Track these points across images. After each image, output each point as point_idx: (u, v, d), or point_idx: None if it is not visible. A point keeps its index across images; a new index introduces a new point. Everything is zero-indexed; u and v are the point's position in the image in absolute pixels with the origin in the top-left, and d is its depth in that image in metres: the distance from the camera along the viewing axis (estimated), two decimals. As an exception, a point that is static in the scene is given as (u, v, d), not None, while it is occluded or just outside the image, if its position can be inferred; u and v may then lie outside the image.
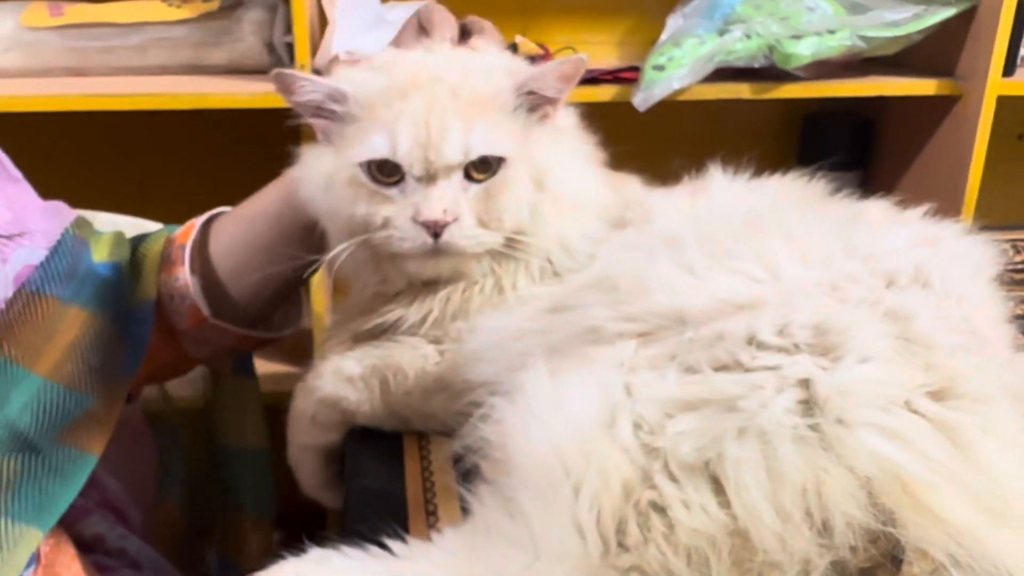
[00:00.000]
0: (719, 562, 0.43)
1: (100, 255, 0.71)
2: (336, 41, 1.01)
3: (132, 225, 0.96)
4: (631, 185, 0.73)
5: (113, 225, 0.89)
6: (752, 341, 0.47)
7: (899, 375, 0.45)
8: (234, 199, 0.80)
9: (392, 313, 0.68)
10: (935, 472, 0.42)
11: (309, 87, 0.66)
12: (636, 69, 1.10)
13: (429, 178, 0.63)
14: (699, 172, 0.69)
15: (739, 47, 1.09)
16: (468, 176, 0.64)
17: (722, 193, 0.66)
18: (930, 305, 0.50)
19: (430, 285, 0.67)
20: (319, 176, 0.67)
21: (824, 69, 1.14)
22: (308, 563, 0.49)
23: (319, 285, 1.11)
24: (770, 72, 1.13)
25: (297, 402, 0.70)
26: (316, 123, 0.69)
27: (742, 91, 1.13)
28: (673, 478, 0.44)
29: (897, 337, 0.47)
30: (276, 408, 0.75)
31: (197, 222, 0.79)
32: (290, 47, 1.09)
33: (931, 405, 0.45)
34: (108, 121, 1.08)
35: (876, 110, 1.39)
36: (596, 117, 0.73)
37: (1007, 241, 1.10)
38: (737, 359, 0.47)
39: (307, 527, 0.56)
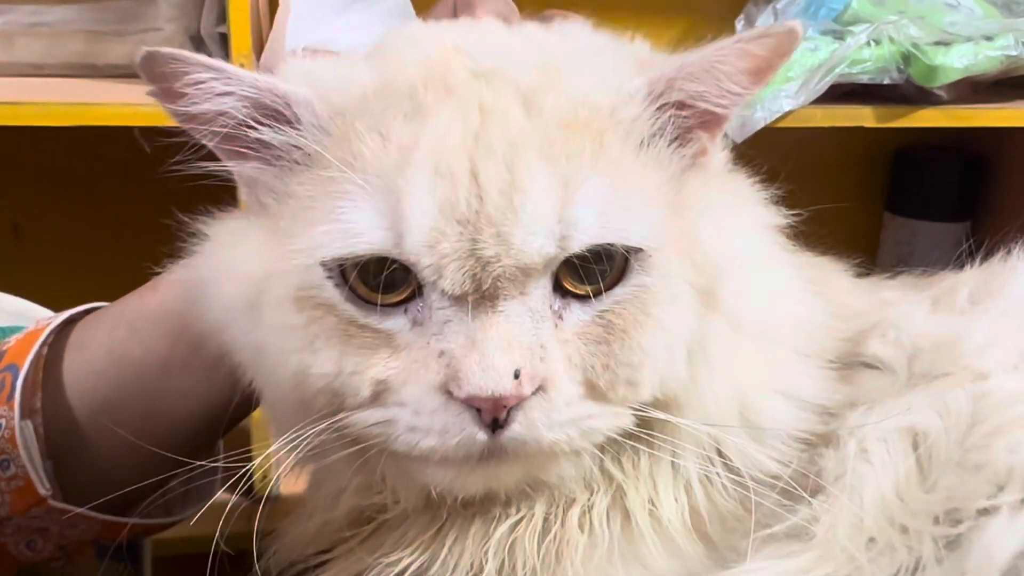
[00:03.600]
0: None
1: None
2: (291, 31, 0.71)
3: None
4: (836, 280, 0.39)
5: None
6: None
7: None
8: (141, 253, 0.45)
9: (394, 562, 0.32)
10: None
11: (212, 84, 0.31)
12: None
13: (481, 296, 0.29)
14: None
15: (866, 55, 0.79)
16: (559, 287, 0.30)
17: None
18: None
19: (476, 506, 0.33)
20: (238, 283, 0.32)
21: (971, 88, 0.84)
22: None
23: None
24: (898, 91, 0.83)
25: None
26: (235, 167, 0.33)
27: (864, 116, 0.83)
28: None
29: None
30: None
31: (48, 325, 0.47)
32: (224, 39, 0.80)
33: None
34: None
35: (989, 144, 1.11)
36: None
37: None
38: None
39: None
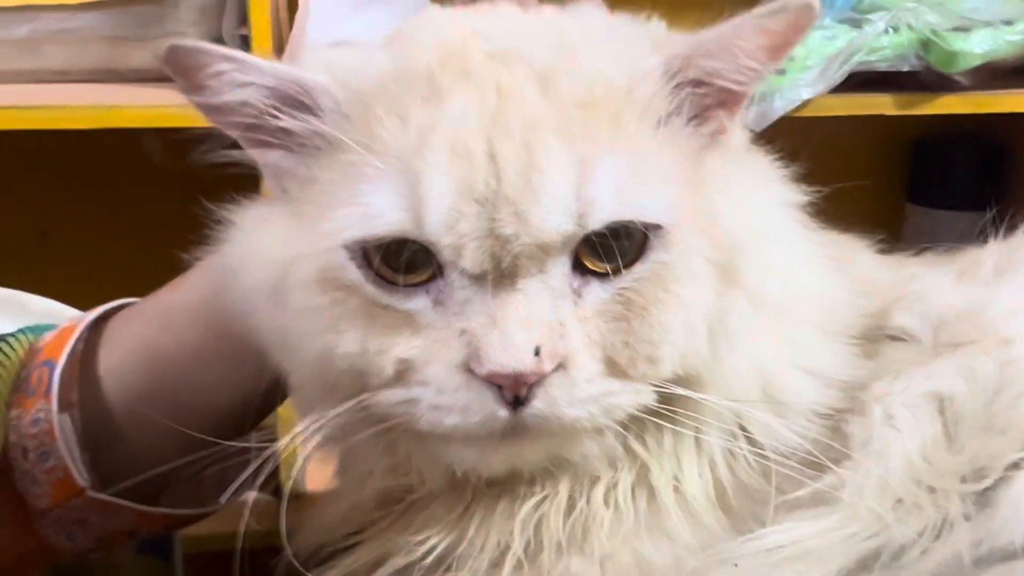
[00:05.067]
0: None
1: None
2: (311, 32, 0.72)
3: (2, 300, 0.65)
4: (860, 257, 0.39)
5: None
6: None
7: None
8: (167, 257, 0.46)
9: (423, 538, 0.33)
10: None
11: (233, 75, 0.32)
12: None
13: (501, 275, 0.29)
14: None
15: (884, 43, 0.78)
16: (579, 265, 0.30)
17: None
18: None
19: (501, 485, 0.33)
20: (263, 267, 0.33)
21: (991, 74, 0.83)
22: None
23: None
24: (918, 78, 0.82)
25: None
26: (259, 156, 0.34)
27: (883, 104, 0.82)
28: None
29: None
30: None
31: (82, 322, 0.48)
32: (246, 41, 0.80)
33: None
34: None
35: (1010, 131, 1.08)
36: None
37: None
38: None
39: None
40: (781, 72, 0.78)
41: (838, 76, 0.78)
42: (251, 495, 0.49)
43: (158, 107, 0.75)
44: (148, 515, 0.48)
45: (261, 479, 0.42)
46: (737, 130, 0.35)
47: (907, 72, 0.81)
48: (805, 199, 0.37)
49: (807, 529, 0.29)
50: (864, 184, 0.93)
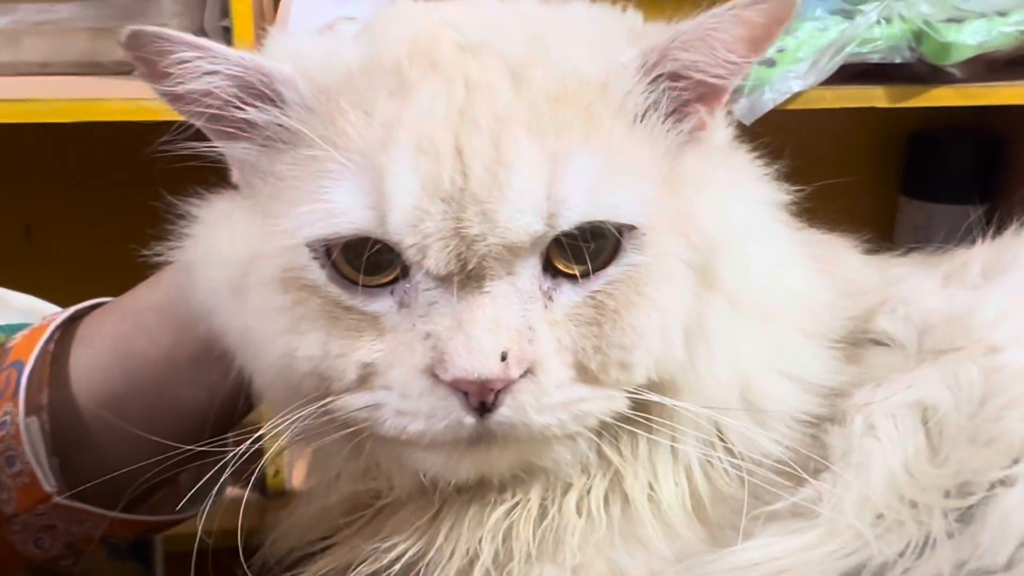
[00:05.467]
0: None
1: None
2: (294, 22, 0.71)
3: None
4: (846, 258, 0.38)
5: None
6: None
7: None
8: (151, 252, 0.45)
9: (389, 548, 0.31)
10: None
11: (197, 64, 0.31)
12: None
13: (467, 277, 0.28)
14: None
15: (877, 34, 0.77)
16: (551, 267, 0.29)
17: None
18: None
19: (470, 491, 0.32)
20: (224, 265, 0.32)
21: (986, 66, 0.82)
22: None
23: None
24: (911, 70, 0.81)
25: None
26: (225, 148, 0.33)
27: (875, 97, 0.81)
28: None
29: None
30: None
31: (53, 322, 0.46)
32: (228, 33, 0.78)
33: None
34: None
35: (1005, 124, 1.07)
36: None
37: None
38: None
39: None
40: (771, 64, 0.76)
41: (829, 68, 0.76)
42: (235, 493, 0.48)
43: (141, 100, 0.73)
44: (118, 521, 0.47)
45: (236, 479, 0.40)
46: (718, 126, 0.34)
47: (900, 64, 0.79)
48: (788, 197, 0.36)
49: (784, 546, 0.28)
50: (858, 178, 0.93)
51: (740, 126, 0.89)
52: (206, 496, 0.46)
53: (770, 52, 0.77)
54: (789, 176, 0.43)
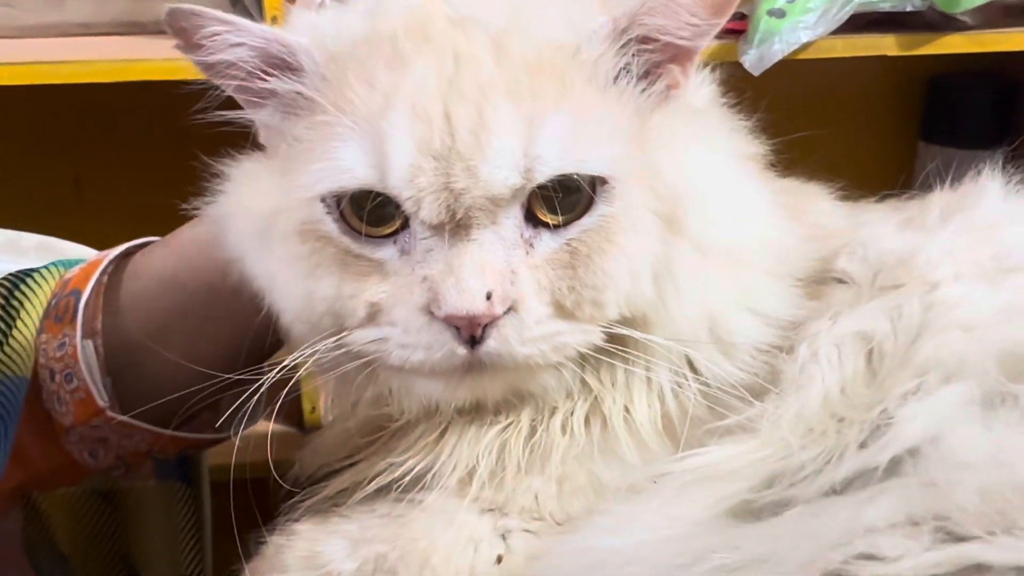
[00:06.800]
0: None
1: None
2: None
3: (38, 246, 0.67)
4: (818, 204, 0.41)
5: (12, 244, 0.66)
6: None
7: None
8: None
9: (403, 460, 0.36)
10: None
11: (226, 36, 0.35)
12: (741, 16, 0.78)
13: (457, 225, 0.32)
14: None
15: None
16: (532, 216, 0.33)
17: (1018, 226, 0.37)
18: None
19: (469, 415, 0.36)
20: (251, 216, 0.36)
21: (1002, 12, 0.82)
22: None
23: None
24: (921, 19, 0.81)
25: None
26: (252, 114, 0.37)
27: (886, 45, 0.81)
28: None
29: None
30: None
31: (106, 257, 0.51)
32: (260, 4, 0.80)
33: None
34: (31, 98, 0.80)
35: (1022, 71, 1.07)
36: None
37: None
38: None
39: None
40: (781, 15, 0.77)
41: (840, 18, 0.77)
42: (274, 428, 0.52)
43: (181, 60, 0.78)
44: (164, 437, 0.52)
45: (273, 413, 0.45)
46: (693, 84, 0.37)
47: (911, 12, 0.80)
48: (762, 149, 0.39)
49: (725, 452, 0.32)
50: (878, 124, 0.94)
51: (750, 78, 0.90)
52: (243, 418, 0.51)
53: (779, 3, 0.77)
54: (809, 125, 0.45)
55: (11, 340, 0.50)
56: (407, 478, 0.36)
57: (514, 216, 0.32)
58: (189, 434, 0.52)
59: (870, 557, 0.25)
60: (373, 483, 0.36)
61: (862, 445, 0.29)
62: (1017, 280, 0.34)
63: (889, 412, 0.30)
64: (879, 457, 0.27)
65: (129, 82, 0.77)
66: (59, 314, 0.49)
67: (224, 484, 0.70)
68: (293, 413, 0.88)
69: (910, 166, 1.24)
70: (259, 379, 0.37)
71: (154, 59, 0.77)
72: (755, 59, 0.76)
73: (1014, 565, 0.24)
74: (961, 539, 0.24)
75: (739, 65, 0.78)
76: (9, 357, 0.49)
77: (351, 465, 0.39)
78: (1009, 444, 0.26)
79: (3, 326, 0.51)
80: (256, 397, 0.38)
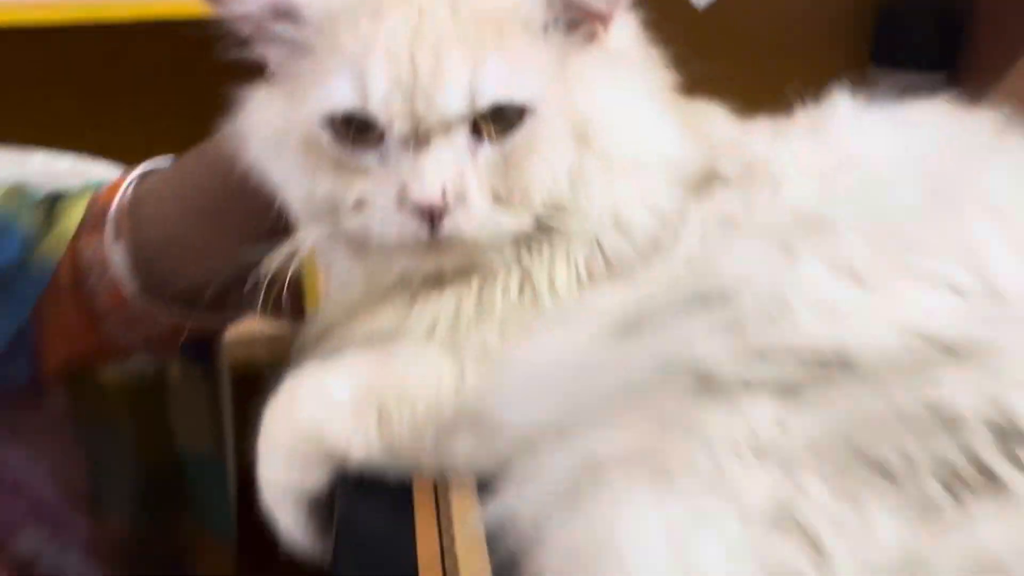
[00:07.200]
0: None
1: None
2: None
3: (71, 170, 0.78)
4: (715, 122, 0.51)
5: (47, 166, 0.78)
6: (1005, 435, 0.28)
7: None
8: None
9: (384, 319, 0.48)
10: None
11: None
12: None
13: (419, 139, 0.42)
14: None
15: None
16: (477, 133, 0.43)
17: (859, 136, 0.46)
18: None
19: (434, 281, 0.47)
20: (265, 132, 0.46)
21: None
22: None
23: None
24: None
25: (268, 429, 0.50)
26: (266, 52, 0.47)
27: None
28: None
29: None
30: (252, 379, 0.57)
31: (130, 175, 0.60)
32: None
33: None
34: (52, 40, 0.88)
35: (966, 2, 1.16)
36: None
37: None
38: (991, 471, 0.28)
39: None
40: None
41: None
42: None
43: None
44: (181, 320, 0.61)
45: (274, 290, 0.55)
46: (613, 31, 0.47)
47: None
48: (671, 79, 0.50)
49: (603, 296, 0.43)
50: (832, 51, 1.05)
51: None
52: (253, 301, 0.61)
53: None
54: (766, 53, 0.52)
55: (50, 236, 0.59)
56: (383, 331, 0.48)
57: (462, 133, 0.43)
58: (206, 319, 0.62)
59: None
60: (361, 335, 0.48)
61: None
62: (845, 179, 0.45)
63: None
64: (709, 284, 0.38)
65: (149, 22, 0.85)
66: (93, 223, 0.59)
67: (247, 377, 0.80)
68: (297, 313, 0.99)
69: (863, 90, 1.32)
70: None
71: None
72: (701, -5, 0.84)
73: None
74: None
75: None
76: (48, 245, 0.59)
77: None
78: (803, 272, 0.36)
79: (46, 228, 0.61)
80: (266, 278, 0.48)
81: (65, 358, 0.64)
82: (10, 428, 0.70)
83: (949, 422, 0.28)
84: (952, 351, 0.30)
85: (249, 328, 0.73)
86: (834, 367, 0.32)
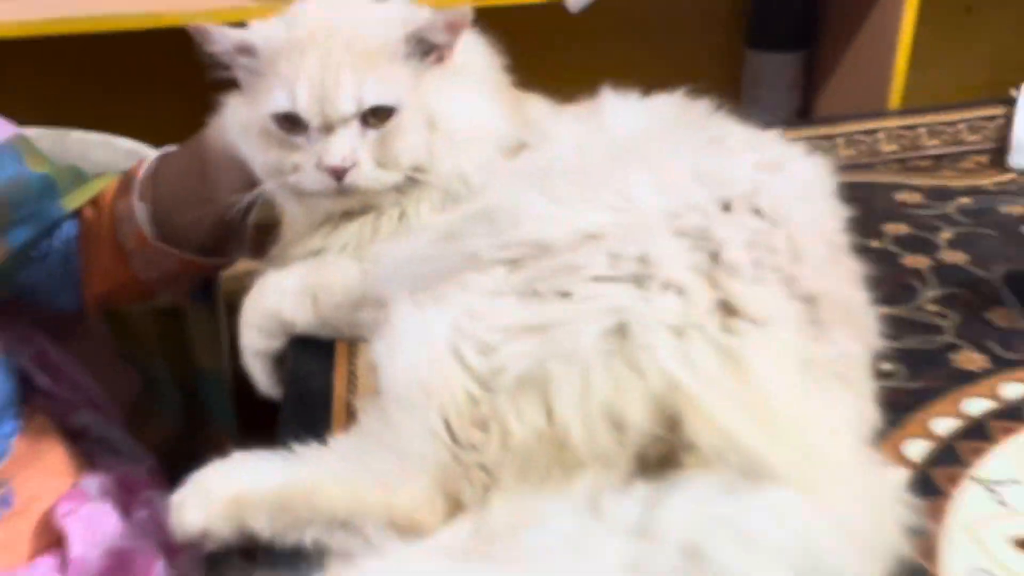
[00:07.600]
0: (544, 460, 0.53)
1: (34, 166, 0.81)
2: None
3: (102, 142, 1.02)
4: (534, 107, 0.77)
5: (82, 143, 1.00)
6: (587, 272, 0.54)
7: (695, 303, 0.53)
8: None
9: (316, 241, 0.75)
10: (712, 387, 0.51)
11: (219, 39, 0.70)
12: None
13: (328, 128, 0.69)
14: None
15: None
16: (366, 123, 0.70)
17: (614, 116, 0.72)
18: (750, 230, 0.56)
19: (347, 215, 0.74)
20: (237, 124, 0.73)
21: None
22: (228, 464, 0.58)
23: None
24: None
25: (245, 313, 0.77)
26: (236, 73, 0.74)
27: None
28: (509, 393, 0.53)
29: (704, 267, 0.54)
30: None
31: (153, 155, 0.87)
32: None
33: (717, 331, 0.53)
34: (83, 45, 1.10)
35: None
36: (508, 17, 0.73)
37: (923, 126, 1.13)
38: (574, 288, 0.54)
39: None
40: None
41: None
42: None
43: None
44: (186, 260, 0.84)
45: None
46: (459, 54, 0.73)
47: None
48: (506, 79, 0.76)
49: (436, 219, 0.71)
50: (709, 35, 1.32)
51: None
52: (241, 246, 0.89)
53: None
54: (655, 36, 0.69)
55: (82, 192, 0.86)
56: (318, 250, 0.75)
57: (355, 123, 0.69)
58: (203, 259, 0.86)
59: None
60: (303, 252, 0.76)
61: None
62: (596, 142, 0.71)
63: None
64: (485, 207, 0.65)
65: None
66: (126, 187, 0.85)
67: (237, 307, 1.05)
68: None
69: (738, 73, 1.51)
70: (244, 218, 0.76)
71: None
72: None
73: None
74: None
75: None
76: (78, 197, 0.85)
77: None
78: (529, 198, 0.63)
79: (76, 186, 0.86)
80: (241, 215, 0.76)
81: (103, 291, 0.88)
82: (66, 344, 0.96)
83: (568, 270, 0.54)
84: (592, 237, 0.57)
85: (236, 270, 0.94)
86: (537, 251, 0.58)
